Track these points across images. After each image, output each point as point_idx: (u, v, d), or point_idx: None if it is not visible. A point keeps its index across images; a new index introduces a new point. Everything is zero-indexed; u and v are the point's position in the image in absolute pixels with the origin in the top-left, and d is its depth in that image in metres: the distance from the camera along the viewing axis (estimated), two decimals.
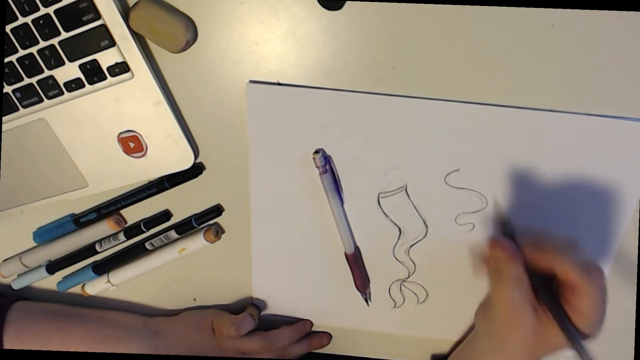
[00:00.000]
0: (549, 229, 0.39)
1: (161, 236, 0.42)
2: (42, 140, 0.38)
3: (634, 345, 0.43)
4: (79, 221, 0.42)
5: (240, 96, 0.37)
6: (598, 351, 0.45)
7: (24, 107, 0.36)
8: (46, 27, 0.33)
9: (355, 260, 0.42)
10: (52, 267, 0.45)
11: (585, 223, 0.39)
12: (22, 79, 0.35)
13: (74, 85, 0.35)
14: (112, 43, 0.33)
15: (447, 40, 0.34)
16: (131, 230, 0.42)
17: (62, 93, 0.35)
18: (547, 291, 0.32)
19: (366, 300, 0.44)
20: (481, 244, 0.41)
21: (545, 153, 0.36)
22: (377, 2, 0.33)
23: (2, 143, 0.38)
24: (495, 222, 0.38)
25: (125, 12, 0.33)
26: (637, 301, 0.42)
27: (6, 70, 0.34)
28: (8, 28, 0.33)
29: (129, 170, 0.38)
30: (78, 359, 0.42)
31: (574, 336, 0.29)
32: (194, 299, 0.47)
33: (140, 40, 0.34)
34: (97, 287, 0.45)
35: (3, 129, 0.37)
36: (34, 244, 0.45)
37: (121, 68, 0.34)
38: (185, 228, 0.42)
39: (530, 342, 0.32)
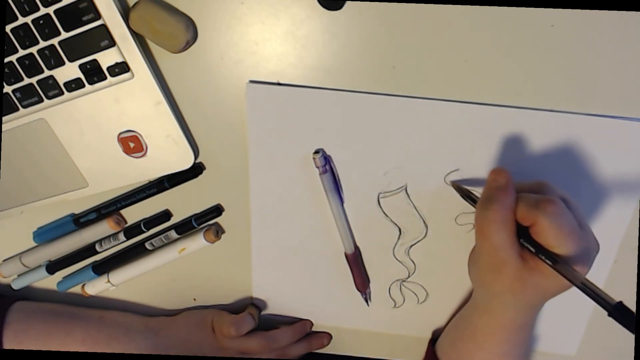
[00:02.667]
0: None
1: (161, 236, 0.42)
2: (42, 140, 0.38)
3: (634, 345, 0.43)
4: (79, 221, 0.42)
5: (240, 96, 0.37)
6: (598, 351, 0.46)
7: (24, 107, 0.36)
8: (46, 27, 0.33)
9: (355, 260, 0.42)
10: (52, 267, 0.45)
11: None
12: (22, 79, 0.35)
13: (74, 85, 0.35)
14: (112, 43, 0.33)
15: (447, 40, 0.34)
16: (131, 230, 0.42)
17: (62, 93, 0.35)
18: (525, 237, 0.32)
19: (366, 300, 0.44)
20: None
21: (545, 153, 0.36)
22: (377, 2, 0.33)
23: (2, 143, 0.38)
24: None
25: (125, 12, 0.33)
26: (637, 301, 0.42)
27: (6, 70, 0.34)
28: (8, 28, 0.33)
29: (129, 170, 0.38)
30: (78, 359, 0.42)
31: (557, 261, 0.29)
32: (194, 299, 0.47)
33: (140, 40, 0.34)
34: (97, 287, 0.45)
35: (3, 129, 0.37)
36: (34, 244, 0.45)
37: (121, 68, 0.34)
38: (185, 228, 0.42)
39: (518, 288, 0.31)
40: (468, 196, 0.36)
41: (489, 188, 0.33)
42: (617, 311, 0.26)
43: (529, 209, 0.30)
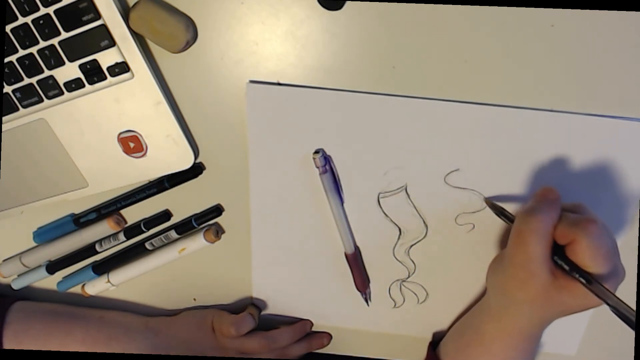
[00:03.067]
0: None
1: (161, 236, 0.42)
2: (42, 140, 0.38)
3: (634, 346, 0.43)
4: (79, 221, 0.42)
5: (240, 96, 0.37)
6: (598, 351, 0.46)
7: (24, 107, 0.36)
8: (46, 27, 0.33)
9: (355, 260, 0.42)
10: (52, 267, 0.45)
11: None
12: (22, 79, 0.35)
13: (74, 85, 0.35)
14: (112, 43, 0.33)
15: (447, 40, 0.34)
16: (131, 230, 0.42)
17: (62, 93, 0.35)
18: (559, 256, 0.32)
19: (366, 300, 0.44)
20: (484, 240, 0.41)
21: (545, 153, 0.36)
22: (377, 2, 0.33)
23: (2, 143, 0.38)
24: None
25: (125, 12, 0.33)
26: (637, 301, 0.42)
27: (6, 70, 0.34)
28: (8, 28, 0.33)
29: (129, 170, 0.38)
30: (78, 359, 0.42)
31: (592, 281, 0.29)
32: (194, 299, 0.47)
33: (140, 40, 0.34)
34: (97, 287, 0.45)
35: (3, 129, 0.37)
36: (34, 244, 0.45)
37: (121, 68, 0.34)
38: (185, 228, 0.42)
39: (540, 301, 0.31)
40: (502, 213, 0.36)
41: (537, 200, 0.33)
42: None
43: (570, 226, 0.30)
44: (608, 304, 0.28)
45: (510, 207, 0.39)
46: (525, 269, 0.31)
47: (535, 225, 0.31)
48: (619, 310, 0.27)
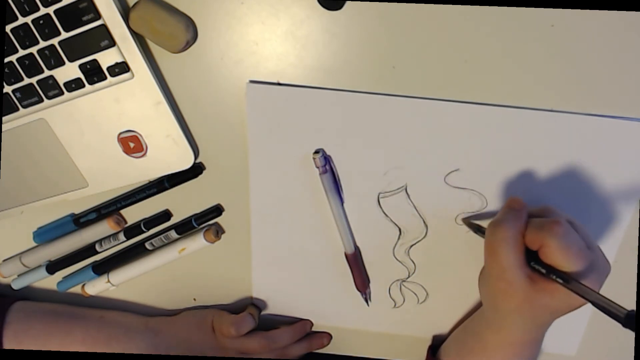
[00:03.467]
0: None
1: (161, 236, 0.42)
2: (42, 140, 0.38)
3: (634, 346, 0.43)
4: (79, 221, 0.42)
5: (240, 96, 0.37)
6: (598, 351, 0.46)
7: (24, 107, 0.36)
8: (46, 27, 0.33)
9: (355, 260, 0.42)
10: (52, 267, 0.45)
11: (585, 223, 0.39)
12: (22, 79, 0.35)
13: (74, 85, 0.35)
14: (112, 43, 0.33)
15: (447, 40, 0.34)
16: (131, 230, 0.42)
17: (62, 93, 0.35)
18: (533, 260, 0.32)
19: (366, 300, 0.44)
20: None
21: (545, 153, 0.36)
22: (377, 2, 0.33)
23: (2, 143, 0.38)
24: None
25: (125, 12, 0.33)
26: (637, 301, 0.42)
27: (6, 70, 0.34)
28: (8, 28, 0.33)
29: (129, 170, 0.38)
30: (78, 359, 0.42)
31: (569, 280, 0.29)
32: (194, 299, 0.47)
33: (140, 40, 0.34)
34: (97, 287, 0.45)
35: (3, 129, 0.37)
36: (34, 244, 0.45)
37: (121, 68, 0.34)
38: (185, 228, 0.42)
39: (527, 308, 0.32)
40: (479, 229, 0.37)
41: (503, 212, 0.33)
42: (630, 321, 0.26)
43: (537, 231, 0.30)
44: (590, 301, 0.28)
45: None
46: (502, 279, 0.31)
47: (503, 235, 0.31)
48: (602, 306, 0.27)
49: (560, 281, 0.29)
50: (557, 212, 0.33)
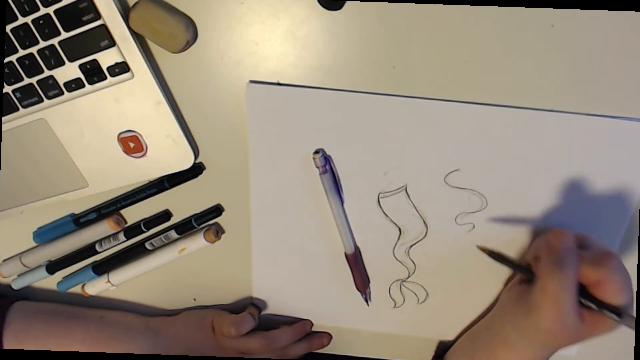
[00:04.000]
0: (549, 229, 0.39)
1: (161, 236, 0.42)
2: (42, 140, 0.38)
3: (634, 345, 0.43)
4: (79, 221, 0.42)
5: (240, 96, 0.37)
6: (598, 351, 0.46)
7: (24, 107, 0.36)
8: (46, 27, 0.33)
9: (355, 260, 0.42)
10: (52, 267, 0.45)
11: (586, 223, 0.39)
12: (22, 79, 0.35)
13: (74, 85, 0.35)
14: (112, 43, 0.33)
15: (447, 40, 0.34)
16: (131, 230, 0.42)
17: (62, 93, 0.35)
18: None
19: (366, 300, 0.44)
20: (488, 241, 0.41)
21: (545, 153, 0.36)
22: (377, 2, 0.33)
23: (2, 143, 0.38)
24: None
25: (125, 12, 0.33)
26: (637, 301, 0.42)
27: (6, 70, 0.34)
28: (8, 28, 0.33)
29: (129, 170, 0.38)
30: (78, 359, 0.42)
31: (622, 314, 0.29)
32: (194, 299, 0.47)
33: (140, 40, 0.34)
34: (97, 287, 0.45)
35: (3, 129, 0.37)
36: (34, 244, 0.45)
37: (121, 68, 0.34)
38: (185, 228, 0.42)
39: (568, 342, 0.32)
40: (503, 258, 0.36)
41: (559, 250, 0.32)
42: None
43: (594, 267, 0.30)
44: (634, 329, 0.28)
45: (512, 206, 0.39)
46: (558, 323, 0.31)
47: (566, 283, 0.30)
48: None
49: (615, 317, 0.29)
50: (597, 241, 0.33)
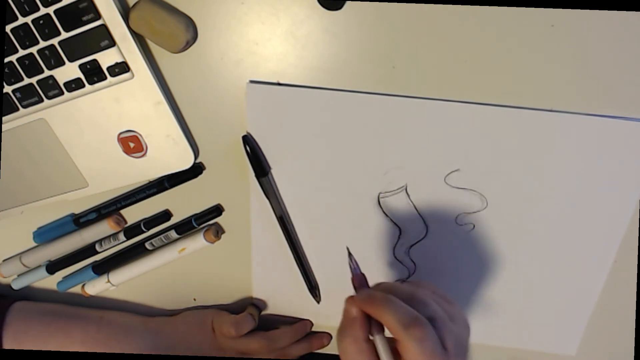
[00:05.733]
0: (550, 229, 0.40)
1: (161, 236, 0.42)
2: (42, 140, 0.38)
3: (634, 345, 0.43)
4: (79, 221, 0.42)
5: (240, 96, 0.37)
6: (598, 351, 0.46)
7: (24, 107, 0.36)
8: (46, 27, 0.33)
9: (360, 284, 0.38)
10: (52, 267, 0.45)
11: (586, 223, 0.39)
12: (22, 79, 0.35)
13: (74, 85, 0.35)
14: (112, 43, 0.33)
15: (447, 40, 0.34)
16: (131, 230, 0.42)
17: (62, 93, 0.35)
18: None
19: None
20: (482, 244, 0.41)
21: (545, 153, 0.36)
22: (377, 2, 0.33)
23: (2, 143, 0.38)
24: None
25: (125, 12, 0.33)
26: (637, 301, 0.42)
27: (6, 70, 0.34)
28: (8, 28, 0.33)
29: (129, 170, 0.38)
30: (78, 359, 0.42)
31: None
32: (194, 299, 0.47)
33: (140, 40, 0.34)
34: (97, 287, 0.45)
35: (3, 129, 0.37)
36: (34, 244, 0.45)
37: (121, 68, 0.34)
38: (185, 228, 0.42)
39: None
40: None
41: (343, 319, 0.33)
42: None
43: (398, 329, 0.30)
44: None
45: (512, 206, 0.39)
46: None
47: (348, 348, 0.32)
48: None
49: None
50: (427, 302, 0.32)
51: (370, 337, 0.32)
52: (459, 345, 0.31)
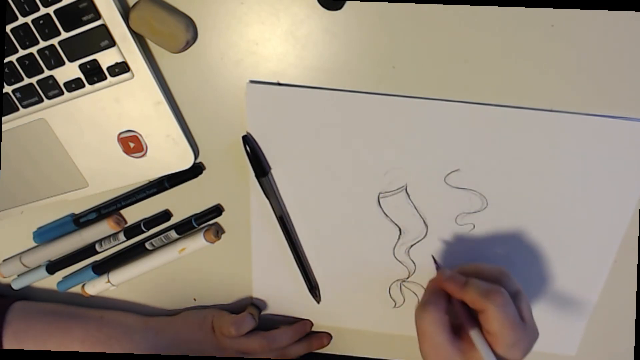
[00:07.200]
0: (550, 229, 0.40)
1: (161, 236, 0.42)
2: (42, 140, 0.38)
3: (634, 345, 0.43)
4: (79, 221, 0.42)
5: (240, 96, 0.37)
6: (598, 351, 0.46)
7: (24, 107, 0.36)
8: (46, 27, 0.33)
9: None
10: (52, 267, 0.45)
11: (586, 223, 0.39)
12: (22, 79, 0.35)
13: (74, 85, 0.35)
14: (112, 43, 0.33)
15: (447, 40, 0.34)
16: (131, 230, 0.42)
17: (62, 93, 0.35)
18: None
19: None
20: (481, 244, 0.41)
21: (545, 153, 0.36)
22: (377, 2, 0.33)
23: (2, 143, 0.38)
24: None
25: (125, 12, 0.33)
26: (637, 301, 0.42)
27: (6, 70, 0.34)
28: (8, 28, 0.33)
29: (129, 170, 0.38)
30: (78, 359, 0.42)
31: None
32: (194, 299, 0.47)
33: (140, 40, 0.34)
34: (97, 287, 0.45)
35: (3, 129, 0.37)
36: (34, 244, 0.45)
37: (121, 68, 0.34)
38: (185, 228, 0.42)
39: None
40: None
41: (425, 294, 0.38)
42: None
43: (480, 296, 0.33)
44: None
45: (512, 206, 0.39)
46: (437, 356, 0.34)
47: (430, 318, 0.35)
48: None
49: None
50: (510, 279, 0.35)
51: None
52: (533, 323, 0.35)
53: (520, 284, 0.35)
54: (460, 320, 0.35)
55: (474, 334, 0.33)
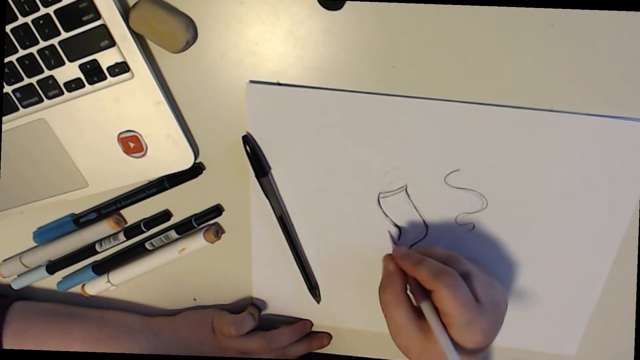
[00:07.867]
0: (550, 229, 0.40)
1: (161, 236, 0.42)
2: (42, 140, 0.38)
3: (634, 345, 0.43)
4: (79, 221, 0.42)
5: (240, 96, 0.37)
6: (598, 351, 0.46)
7: (24, 107, 0.36)
8: (46, 27, 0.33)
9: None
10: (52, 267, 0.45)
11: (586, 223, 0.39)
12: (22, 79, 0.35)
13: (74, 85, 0.35)
14: (112, 43, 0.33)
15: (447, 40, 0.34)
16: (131, 230, 0.42)
17: (62, 93, 0.35)
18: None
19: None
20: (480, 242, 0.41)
21: (545, 153, 0.36)
22: (377, 2, 0.33)
23: (2, 143, 0.38)
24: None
25: (125, 12, 0.33)
26: (637, 301, 0.42)
27: (6, 70, 0.34)
28: (8, 28, 0.33)
29: (129, 170, 0.38)
30: (78, 359, 0.42)
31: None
32: (194, 299, 0.47)
33: (140, 40, 0.34)
34: (97, 287, 0.45)
35: (3, 129, 0.37)
36: (34, 244, 0.45)
37: (121, 68, 0.34)
38: (185, 228, 0.42)
39: (426, 357, 0.34)
40: None
41: (383, 275, 0.38)
42: None
43: (431, 277, 0.33)
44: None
45: (512, 206, 0.39)
46: (400, 336, 0.35)
47: (388, 299, 0.36)
48: None
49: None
50: (460, 261, 0.35)
51: (409, 293, 0.36)
52: (494, 303, 0.34)
53: (474, 266, 0.35)
54: (416, 297, 0.35)
55: (424, 306, 0.34)
